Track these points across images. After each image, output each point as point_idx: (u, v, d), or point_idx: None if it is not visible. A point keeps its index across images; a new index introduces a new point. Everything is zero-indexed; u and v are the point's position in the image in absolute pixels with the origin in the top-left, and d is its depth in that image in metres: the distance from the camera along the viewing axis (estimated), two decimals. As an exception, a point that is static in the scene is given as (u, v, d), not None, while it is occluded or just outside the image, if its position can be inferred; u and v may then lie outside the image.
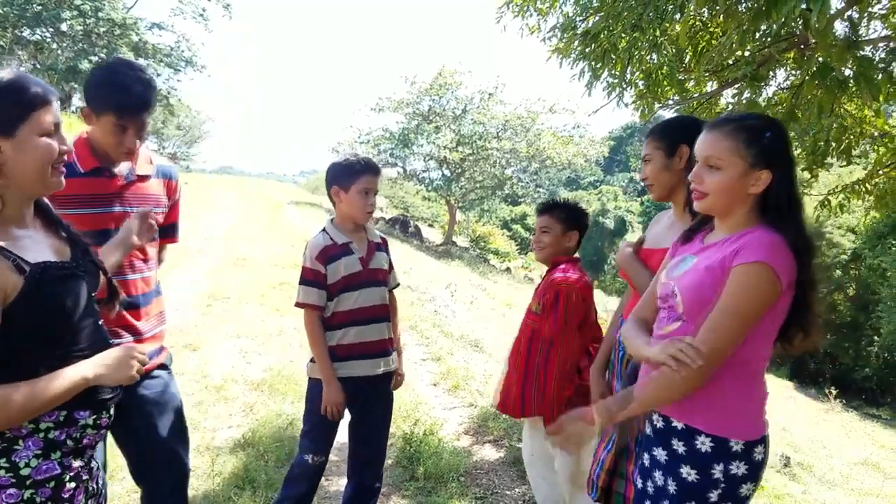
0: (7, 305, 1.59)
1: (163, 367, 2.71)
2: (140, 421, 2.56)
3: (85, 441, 1.77)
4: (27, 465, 1.63)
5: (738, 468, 1.93)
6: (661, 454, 2.07)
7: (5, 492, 1.60)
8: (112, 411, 1.87)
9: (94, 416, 1.78)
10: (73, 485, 1.73)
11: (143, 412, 2.57)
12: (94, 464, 1.86)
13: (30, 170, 1.68)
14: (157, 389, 2.63)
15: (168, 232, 2.79)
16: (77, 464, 1.75)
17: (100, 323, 1.87)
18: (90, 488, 1.83)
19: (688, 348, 1.80)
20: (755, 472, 1.97)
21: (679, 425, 2.01)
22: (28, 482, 1.63)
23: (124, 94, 2.39)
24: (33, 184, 1.71)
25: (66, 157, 1.77)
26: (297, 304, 3.08)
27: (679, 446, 2.01)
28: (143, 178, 2.61)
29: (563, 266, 3.24)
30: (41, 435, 1.66)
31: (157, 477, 2.65)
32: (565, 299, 3.11)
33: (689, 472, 1.97)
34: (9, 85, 1.65)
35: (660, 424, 2.09)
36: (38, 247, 1.74)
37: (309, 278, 3.05)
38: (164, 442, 2.63)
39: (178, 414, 2.71)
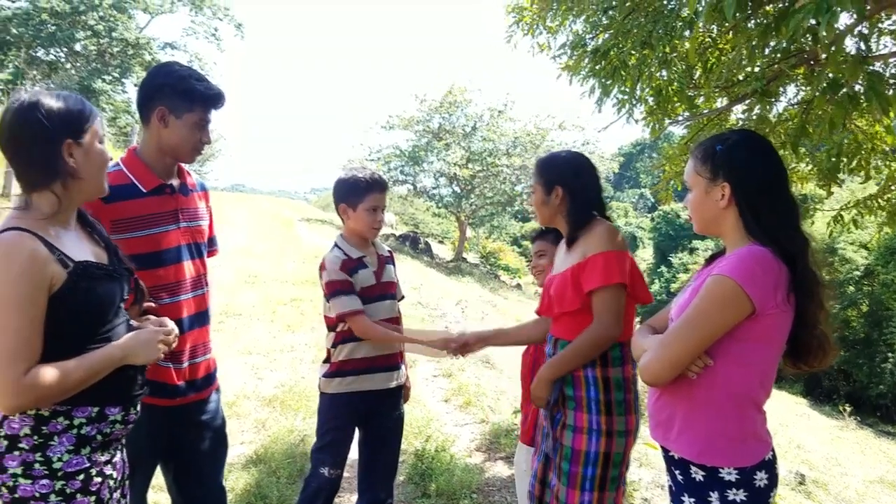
0: (52, 294, 1.74)
1: (216, 388, 2.76)
2: (198, 443, 2.64)
3: (112, 436, 1.91)
4: (59, 459, 1.77)
5: (737, 495, 1.90)
6: (670, 482, 2.09)
7: (39, 482, 1.74)
8: (139, 407, 2.01)
9: (123, 413, 1.92)
10: (99, 479, 1.86)
11: (201, 434, 2.64)
12: (118, 457, 1.98)
13: (94, 172, 1.90)
14: (212, 413, 2.70)
15: (210, 244, 2.81)
16: (103, 458, 1.88)
17: (130, 323, 2.01)
18: (114, 480, 1.94)
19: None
20: (759, 498, 1.92)
21: (675, 455, 2.02)
22: (59, 474, 1.77)
23: (211, 90, 2.46)
24: (95, 186, 1.93)
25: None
26: (339, 317, 3.01)
27: (678, 475, 2.03)
28: (190, 192, 2.63)
29: None
30: (74, 431, 1.80)
31: (202, 492, 2.70)
32: None
33: (689, 501, 1.98)
34: (77, 100, 1.88)
35: (664, 454, 2.11)
36: (80, 248, 1.89)
37: (339, 288, 3.02)
38: (215, 461, 2.73)
39: (224, 435, 2.79)
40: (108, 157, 1.94)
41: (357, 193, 3.08)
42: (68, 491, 1.77)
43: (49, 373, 1.70)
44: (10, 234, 1.72)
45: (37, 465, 1.74)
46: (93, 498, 1.83)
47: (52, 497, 1.75)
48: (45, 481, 1.75)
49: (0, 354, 1.67)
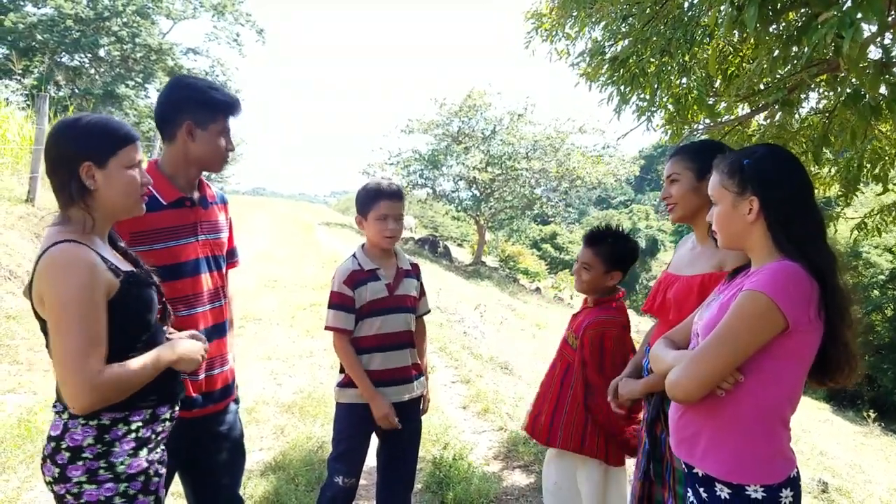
0: (108, 300, 1.86)
1: (235, 399, 2.78)
2: (214, 454, 2.66)
3: (163, 434, 2.06)
4: (122, 463, 1.90)
5: None
6: (693, 498, 2.06)
7: (104, 486, 1.87)
8: (178, 406, 2.13)
9: (171, 411, 2.08)
10: (156, 479, 2.00)
11: (217, 446, 2.66)
12: (164, 455, 2.11)
13: (117, 196, 1.97)
14: (230, 424, 2.71)
15: (231, 256, 2.83)
16: (156, 457, 2.02)
17: (162, 328, 2.13)
18: (161, 477, 2.07)
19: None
20: None
21: (700, 472, 1.99)
22: (122, 476, 1.89)
23: (230, 98, 2.53)
24: (119, 208, 2.01)
25: (146, 189, 2.07)
26: (327, 328, 3.09)
27: (701, 492, 1.99)
28: (210, 205, 2.65)
29: (605, 307, 3.13)
30: (132, 435, 1.93)
31: (219, 502, 2.72)
32: (608, 344, 3.01)
33: None
34: (103, 125, 1.96)
35: (685, 469, 2.07)
36: (117, 260, 2.00)
37: (336, 302, 3.07)
38: (232, 472, 2.75)
39: (241, 446, 2.80)
40: (138, 182, 2.00)
41: (367, 203, 3.10)
42: (131, 492, 1.90)
43: (118, 370, 1.84)
44: (64, 245, 1.83)
45: (101, 471, 1.86)
46: (152, 498, 1.97)
47: (117, 500, 1.88)
48: (109, 485, 1.87)
49: (73, 355, 1.78)
